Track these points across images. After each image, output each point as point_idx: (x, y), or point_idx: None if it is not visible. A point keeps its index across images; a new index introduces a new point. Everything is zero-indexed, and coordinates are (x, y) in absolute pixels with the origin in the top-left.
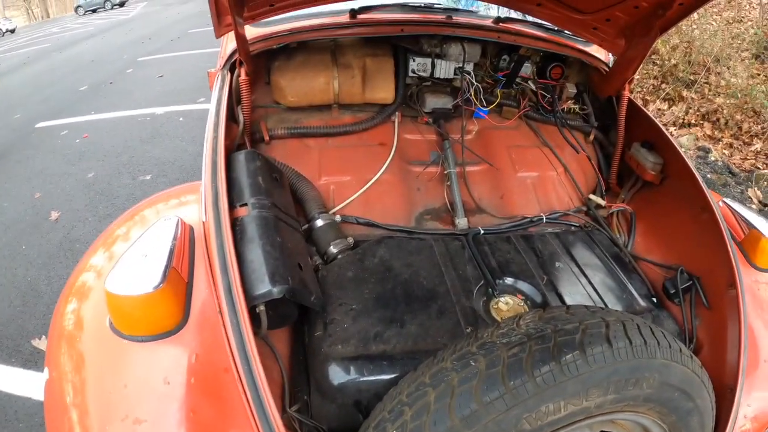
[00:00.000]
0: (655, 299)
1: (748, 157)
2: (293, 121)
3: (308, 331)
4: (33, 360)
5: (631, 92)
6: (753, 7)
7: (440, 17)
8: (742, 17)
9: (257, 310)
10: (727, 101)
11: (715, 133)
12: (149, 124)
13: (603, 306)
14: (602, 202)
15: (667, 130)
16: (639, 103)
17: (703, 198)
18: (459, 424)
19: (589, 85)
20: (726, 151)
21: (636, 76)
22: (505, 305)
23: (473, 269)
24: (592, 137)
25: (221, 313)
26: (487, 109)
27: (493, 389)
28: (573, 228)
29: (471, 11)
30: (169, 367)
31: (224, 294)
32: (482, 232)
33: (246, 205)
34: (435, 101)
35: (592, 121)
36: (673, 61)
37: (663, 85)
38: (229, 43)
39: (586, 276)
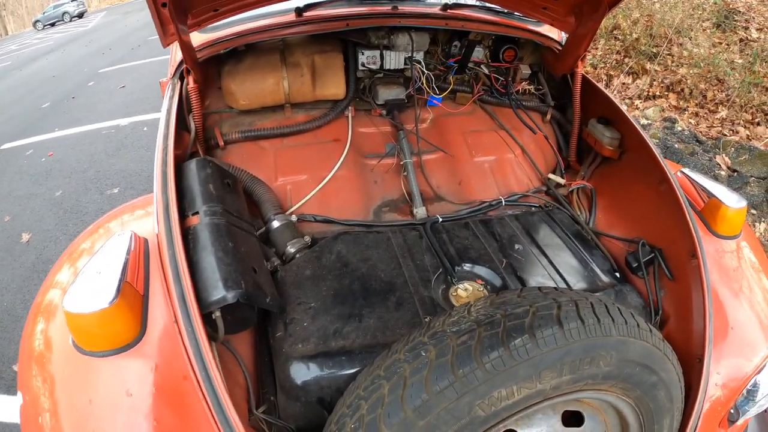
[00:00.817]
0: (618, 274)
1: (714, 125)
2: (247, 124)
3: (271, 332)
4: (15, 385)
5: (596, 68)
6: None
7: (386, 8)
8: None
9: (213, 317)
10: (691, 71)
11: (681, 103)
12: (114, 136)
13: (565, 286)
14: (562, 181)
15: (633, 103)
16: (603, 78)
17: (660, 170)
18: (412, 415)
19: (543, 64)
20: (692, 120)
21: (599, 52)
22: (465, 291)
23: (431, 258)
24: (549, 117)
25: (177, 322)
26: (441, 96)
27: (443, 378)
28: (533, 209)
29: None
30: (130, 380)
31: (178, 303)
32: (440, 219)
33: (197, 213)
34: (387, 93)
35: (548, 100)
36: (634, 35)
37: (626, 60)
38: (178, 51)
39: (546, 256)
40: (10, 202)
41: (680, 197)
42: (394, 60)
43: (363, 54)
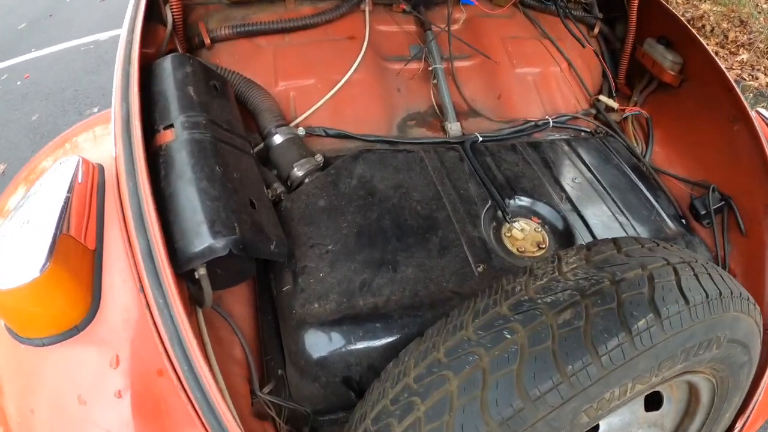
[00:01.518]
0: (684, 221)
1: (733, 67)
2: (240, 18)
3: (275, 282)
4: None
5: None
6: None
7: None
8: None
9: (197, 275)
10: (714, 8)
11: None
12: (93, 52)
13: (633, 232)
14: (614, 105)
15: None
16: None
17: (737, 106)
18: (497, 429)
19: None
20: None
21: None
22: (521, 232)
23: (477, 187)
24: (597, 30)
25: (143, 290)
26: None
27: (545, 377)
28: (583, 134)
29: None
30: (82, 379)
31: (144, 261)
32: (480, 139)
33: (172, 126)
34: None
35: (595, 11)
36: None
37: None
38: None
39: (608, 192)
40: None
41: (761, 140)
42: None
43: None
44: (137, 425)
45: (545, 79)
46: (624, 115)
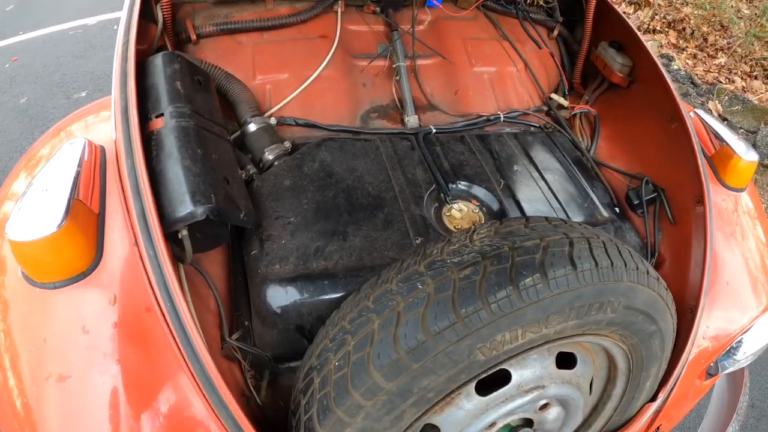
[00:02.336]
0: (617, 209)
1: (711, 70)
2: (223, 16)
3: (245, 249)
4: None
5: None
6: None
7: None
8: None
9: (180, 236)
10: (695, 12)
11: (680, 42)
12: (81, 36)
13: (564, 216)
14: (565, 102)
15: None
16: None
17: (674, 106)
18: (405, 357)
19: None
20: (689, 62)
21: None
22: (459, 212)
23: (424, 172)
24: (556, 33)
25: (137, 245)
26: None
27: (443, 318)
28: (532, 128)
29: None
30: (86, 314)
31: (138, 222)
32: (434, 130)
33: (162, 115)
34: None
35: (556, 15)
36: None
37: None
38: None
39: (545, 181)
40: None
41: (693, 139)
42: None
43: None
44: (129, 350)
45: (501, 78)
46: (573, 113)
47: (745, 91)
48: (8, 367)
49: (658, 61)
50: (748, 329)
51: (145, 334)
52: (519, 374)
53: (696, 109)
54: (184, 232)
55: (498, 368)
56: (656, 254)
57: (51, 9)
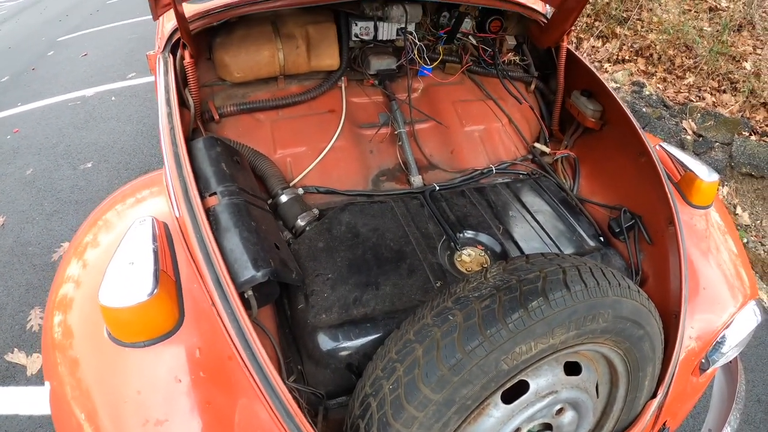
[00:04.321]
0: (602, 238)
1: (681, 91)
2: (240, 96)
3: (290, 304)
4: (11, 375)
5: (570, 43)
6: None
7: None
8: None
9: (246, 296)
10: (660, 37)
11: (649, 68)
12: (81, 108)
13: (557, 250)
14: (547, 150)
15: (602, 66)
16: (573, 41)
17: (640, 143)
18: (448, 373)
19: (528, 36)
20: (660, 85)
21: None
22: (468, 257)
23: (434, 226)
24: (533, 87)
25: (214, 305)
26: (431, 66)
27: (473, 339)
28: (522, 176)
29: None
30: (176, 366)
31: (214, 286)
32: (437, 188)
33: (215, 194)
34: (379, 63)
35: (532, 71)
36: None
37: (596, 23)
38: (167, 23)
39: (538, 222)
40: None
41: (659, 170)
42: (387, 31)
43: (356, 25)
44: (217, 394)
45: (489, 134)
46: (555, 158)
47: (716, 106)
48: (97, 415)
49: (624, 104)
50: (729, 324)
51: (229, 379)
52: (536, 383)
53: (662, 143)
54: (250, 292)
55: (517, 379)
56: (640, 272)
57: (46, 81)
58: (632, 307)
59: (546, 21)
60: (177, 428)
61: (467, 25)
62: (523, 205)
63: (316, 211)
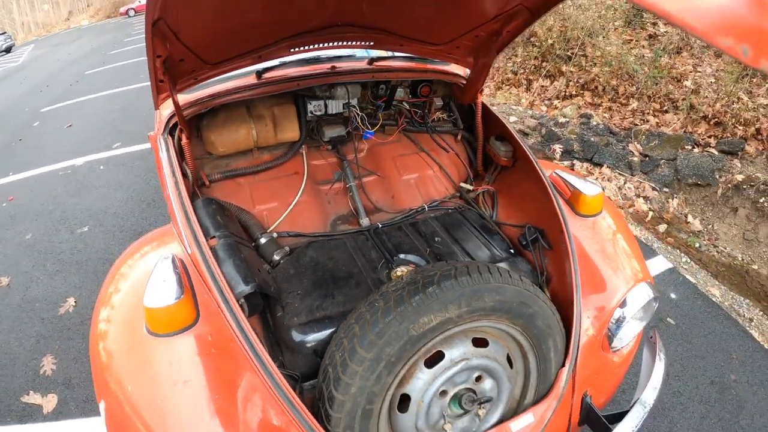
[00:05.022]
0: (512, 250)
1: (626, 117)
2: (224, 165)
3: (271, 314)
4: (28, 414)
5: (516, 74)
6: None
7: (326, 67)
8: None
9: (240, 302)
10: (603, 69)
11: (595, 99)
12: (72, 176)
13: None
14: (470, 187)
15: (552, 103)
16: (524, 83)
17: (537, 174)
18: (375, 338)
19: (452, 95)
20: (606, 115)
21: (518, 59)
22: (401, 272)
23: (377, 253)
24: (459, 137)
25: (219, 307)
26: (373, 131)
27: (389, 314)
28: (450, 211)
29: (350, 56)
30: (196, 347)
31: (218, 295)
32: (380, 226)
33: (214, 237)
34: (331, 132)
35: (458, 124)
36: (550, 41)
37: (544, 64)
38: (163, 111)
39: (459, 243)
40: None
41: (550, 192)
42: (334, 107)
43: (311, 104)
44: (224, 363)
45: (423, 180)
46: (477, 193)
47: (659, 126)
48: (144, 383)
49: (525, 145)
50: (622, 302)
51: (231, 354)
52: (450, 353)
53: (556, 170)
54: (243, 300)
55: (435, 350)
56: (545, 273)
57: (34, 151)
58: (514, 292)
59: (465, 82)
60: (196, 386)
61: (401, 93)
62: (448, 232)
63: (287, 249)
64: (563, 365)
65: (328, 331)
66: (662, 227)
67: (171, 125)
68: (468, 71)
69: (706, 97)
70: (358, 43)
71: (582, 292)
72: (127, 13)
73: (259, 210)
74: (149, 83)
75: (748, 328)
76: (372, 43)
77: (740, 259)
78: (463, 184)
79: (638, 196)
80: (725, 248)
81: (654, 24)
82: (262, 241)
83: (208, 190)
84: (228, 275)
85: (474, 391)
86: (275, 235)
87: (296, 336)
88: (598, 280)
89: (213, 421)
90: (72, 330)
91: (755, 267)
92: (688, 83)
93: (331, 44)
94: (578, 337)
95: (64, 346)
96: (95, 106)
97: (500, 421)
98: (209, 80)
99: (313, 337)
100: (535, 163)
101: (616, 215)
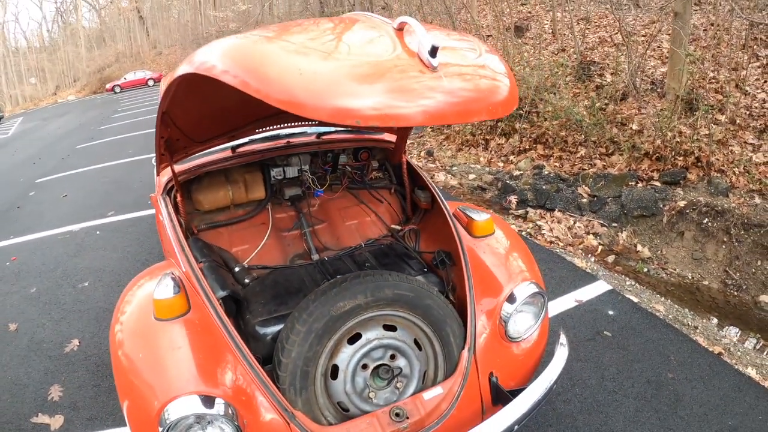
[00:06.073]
0: (426, 269)
1: (575, 164)
2: (208, 219)
3: (242, 317)
4: (37, 431)
5: (474, 135)
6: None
7: (283, 143)
8: (565, 47)
9: (219, 301)
10: (552, 123)
11: (547, 151)
12: (70, 240)
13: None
14: (399, 227)
15: (508, 159)
16: (481, 143)
17: (443, 212)
18: (306, 316)
19: (387, 157)
20: (557, 164)
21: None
22: None
23: (321, 276)
24: (393, 190)
25: (206, 303)
26: (322, 189)
27: (316, 300)
28: (382, 246)
29: (302, 132)
30: (188, 328)
31: (203, 295)
32: (326, 259)
33: (202, 262)
34: (290, 191)
35: (392, 179)
36: None
37: (499, 124)
38: (163, 176)
39: (384, 267)
40: None
41: (450, 224)
42: (291, 172)
43: (273, 170)
44: (207, 338)
45: (362, 225)
46: (404, 231)
47: (605, 168)
48: (153, 352)
49: (437, 192)
50: (509, 296)
51: (212, 332)
52: (366, 334)
53: (459, 206)
54: (220, 301)
55: (354, 332)
56: (451, 283)
57: (33, 217)
58: (409, 287)
59: (393, 147)
60: (187, 350)
61: (344, 158)
62: (377, 260)
63: (255, 275)
64: (463, 347)
65: (281, 325)
66: (611, 258)
67: (168, 188)
68: (394, 137)
69: (649, 135)
70: (308, 122)
71: (477, 292)
72: (113, 89)
73: (235, 250)
74: (139, 158)
75: (692, 335)
76: (317, 122)
77: (690, 277)
78: (393, 226)
79: (587, 233)
80: (675, 270)
81: (601, 75)
82: (236, 269)
83: (198, 237)
84: (211, 284)
85: (389, 366)
86: (246, 265)
87: (259, 329)
88: (491, 283)
89: (198, 372)
90: (77, 364)
91: (705, 282)
92: (633, 125)
93: (287, 124)
94: (474, 326)
95: (70, 377)
96: (88, 178)
97: (414, 393)
98: (196, 154)
99: (271, 329)
100: (442, 204)
101: (509, 234)
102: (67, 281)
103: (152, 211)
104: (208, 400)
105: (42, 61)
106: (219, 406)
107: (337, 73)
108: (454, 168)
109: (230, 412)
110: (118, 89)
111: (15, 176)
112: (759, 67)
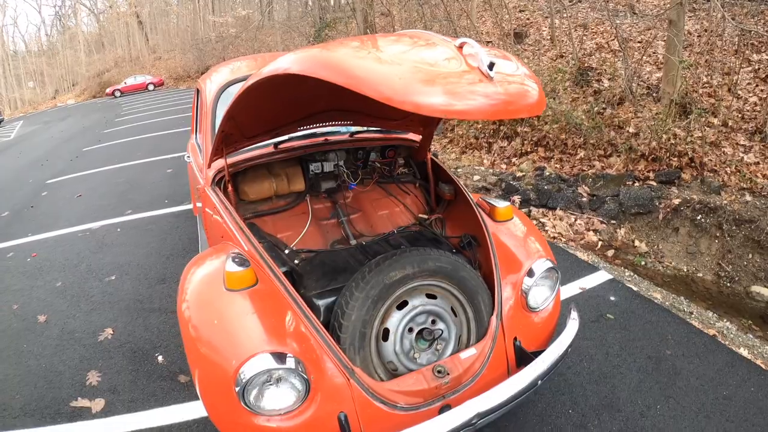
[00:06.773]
0: (454, 251)
1: (575, 165)
2: (253, 208)
3: (299, 289)
4: (78, 414)
5: (477, 138)
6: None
7: (321, 140)
8: (564, 53)
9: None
10: (553, 126)
11: (547, 153)
12: (91, 237)
13: None
14: (425, 216)
15: (510, 161)
16: (485, 146)
17: (466, 198)
18: (363, 284)
19: (411, 154)
20: (558, 165)
21: (479, 125)
22: None
23: (363, 256)
24: (417, 184)
25: (270, 274)
26: (355, 183)
27: (372, 269)
28: (413, 232)
29: (337, 131)
30: (258, 297)
31: (268, 269)
32: (364, 243)
33: (261, 242)
34: (326, 184)
35: (417, 174)
36: None
37: (501, 127)
38: (212, 169)
39: (417, 249)
40: (12, 294)
41: (476, 210)
42: (327, 167)
43: (311, 165)
44: (275, 305)
45: (393, 215)
46: (430, 220)
47: (604, 169)
48: (223, 317)
49: (461, 184)
50: (528, 271)
51: (278, 298)
52: (412, 301)
53: (482, 196)
54: (283, 271)
55: (403, 299)
56: (478, 262)
57: (48, 216)
58: (447, 261)
59: (419, 145)
60: (258, 316)
61: (374, 155)
62: (411, 243)
63: (304, 256)
64: (492, 314)
65: (333, 298)
66: (610, 252)
67: (217, 180)
68: (419, 137)
69: (645, 138)
70: (343, 122)
71: (501, 268)
72: (113, 93)
73: (281, 236)
74: (149, 160)
75: (688, 319)
76: (351, 122)
77: (686, 270)
78: (421, 215)
79: (588, 230)
80: (671, 263)
81: (598, 80)
82: (287, 251)
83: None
84: (273, 259)
85: (431, 330)
86: (294, 248)
87: (315, 300)
88: (512, 260)
89: (268, 334)
90: (112, 351)
91: (700, 275)
92: (630, 128)
93: (324, 123)
94: (500, 295)
95: (107, 364)
96: (100, 179)
97: (452, 354)
98: (244, 148)
99: (324, 301)
100: (467, 194)
101: (525, 220)
102: (92, 275)
103: (170, 210)
104: (280, 357)
105: (41, 65)
106: (290, 361)
107: (422, 78)
108: (458, 170)
109: (300, 367)
110: (118, 93)
111: (23, 178)
112: (751, 71)
